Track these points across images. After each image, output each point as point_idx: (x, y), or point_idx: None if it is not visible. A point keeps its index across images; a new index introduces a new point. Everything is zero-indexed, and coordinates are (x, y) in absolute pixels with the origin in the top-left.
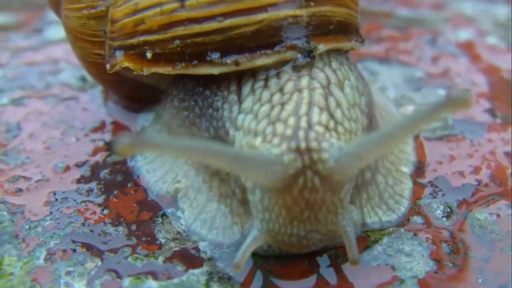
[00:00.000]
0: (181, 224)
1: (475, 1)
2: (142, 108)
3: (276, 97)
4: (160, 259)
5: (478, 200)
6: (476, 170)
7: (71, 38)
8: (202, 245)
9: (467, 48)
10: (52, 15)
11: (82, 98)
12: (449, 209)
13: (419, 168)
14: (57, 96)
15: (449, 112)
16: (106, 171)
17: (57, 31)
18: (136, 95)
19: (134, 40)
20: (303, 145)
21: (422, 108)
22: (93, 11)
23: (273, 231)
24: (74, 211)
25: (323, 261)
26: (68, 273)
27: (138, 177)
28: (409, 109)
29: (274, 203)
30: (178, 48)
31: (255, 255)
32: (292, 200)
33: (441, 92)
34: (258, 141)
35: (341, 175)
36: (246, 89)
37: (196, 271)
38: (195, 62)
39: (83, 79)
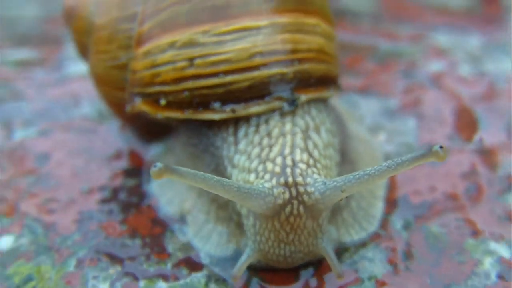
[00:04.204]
0: (186, 238)
1: (450, 33)
2: (154, 139)
3: (265, 141)
4: (169, 265)
5: (433, 215)
6: (433, 189)
7: (96, 82)
8: (202, 254)
9: (438, 78)
10: (69, 51)
11: (101, 129)
12: (407, 223)
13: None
14: (78, 128)
15: (426, 162)
16: (124, 193)
17: (74, 67)
18: (149, 129)
19: (151, 89)
20: (290, 180)
21: (403, 157)
22: (117, 62)
23: (264, 251)
24: (98, 227)
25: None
26: (95, 277)
27: (151, 197)
28: (381, 135)
29: (264, 227)
30: (187, 98)
31: (247, 267)
32: (279, 225)
33: (411, 121)
34: (252, 177)
35: (324, 205)
36: (241, 132)
37: (198, 274)
38: (201, 109)
39: (101, 113)
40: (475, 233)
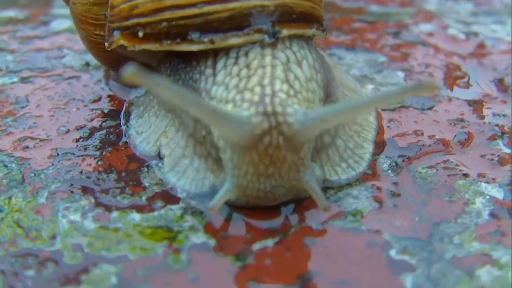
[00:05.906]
0: (162, 173)
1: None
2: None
3: (244, 72)
4: (144, 198)
5: (421, 157)
6: (422, 134)
7: (76, 21)
8: (178, 189)
9: (427, 37)
10: (57, 10)
11: (84, 77)
12: (394, 164)
13: None
14: (61, 76)
15: (414, 94)
16: (102, 133)
17: (62, 23)
18: None
19: (128, 22)
20: (269, 109)
21: (387, 89)
22: None
23: (243, 186)
24: (73, 163)
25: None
26: (66, 208)
27: (128, 137)
28: (369, 87)
29: (242, 161)
30: (165, 29)
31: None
32: (258, 157)
33: (400, 74)
34: (229, 107)
35: (304, 136)
36: (220, 64)
37: (173, 206)
38: (178, 40)
39: (87, 63)
40: (466, 174)
